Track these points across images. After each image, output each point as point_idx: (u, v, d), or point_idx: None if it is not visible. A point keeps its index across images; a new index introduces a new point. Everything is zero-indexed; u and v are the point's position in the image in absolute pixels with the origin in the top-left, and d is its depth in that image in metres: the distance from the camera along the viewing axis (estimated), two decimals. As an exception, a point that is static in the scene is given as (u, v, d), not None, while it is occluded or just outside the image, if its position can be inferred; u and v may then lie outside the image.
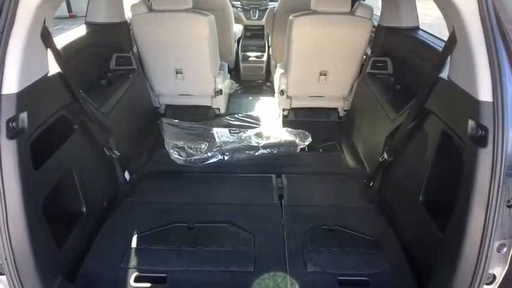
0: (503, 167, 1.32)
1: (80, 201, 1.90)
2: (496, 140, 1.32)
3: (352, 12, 2.70)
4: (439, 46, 2.17)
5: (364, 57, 2.93)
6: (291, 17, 2.75)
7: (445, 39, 1.63)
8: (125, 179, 2.37)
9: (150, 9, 2.75)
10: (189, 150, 2.64)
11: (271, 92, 4.01)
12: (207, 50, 2.83)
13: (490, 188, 1.34)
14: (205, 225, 2.01)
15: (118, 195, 2.29)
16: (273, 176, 2.49)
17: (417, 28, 2.56)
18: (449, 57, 1.62)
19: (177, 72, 2.97)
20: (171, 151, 2.57)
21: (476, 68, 1.37)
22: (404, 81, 2.48)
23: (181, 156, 2.57)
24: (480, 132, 1.37)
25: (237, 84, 4.37)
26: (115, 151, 2.21)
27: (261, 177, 2.48)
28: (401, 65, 2.57)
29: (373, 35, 2.85)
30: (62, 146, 1.79)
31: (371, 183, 2.41)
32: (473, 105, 1.39)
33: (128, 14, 2.85)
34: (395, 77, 2.63)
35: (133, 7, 2.75)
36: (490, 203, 1.35)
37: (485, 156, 1.35)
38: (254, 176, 2.50)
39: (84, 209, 1.92)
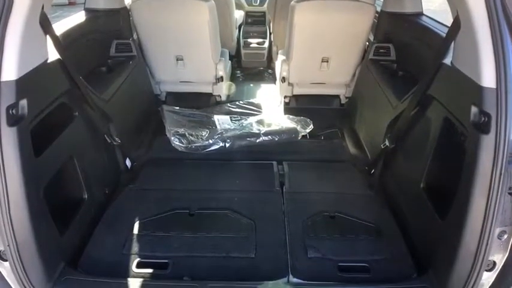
0: (505, 154, 1.31)
1: (82, 188, 1.91)
2: (499, 127, 1.30)
3: None
4: (443, 32, 2.14)
5: (367, 43, 2.90)
6: (292, 3, 2.71)
7: (449, 25, 1.62)
8: (126, 166, 2.37)
9: None
10: (190, 137, 2.64)
11: (273, 79, 3.98)
12: (207, 36, 2.80)
13: (492, 175, 1.34)
14: (206, 211, 2.02)
15: (119, 183, 2.30)
16: (274, 163, 2.48)
17: (421, 14, 2.53)
18: (452, 43, 1.60)
19: (177, 59, 2.95)
20: (172, 138, 2.57)
21: (480, 54, 1.35)
22: (407, 67, 2.46)
23: (182, 143, 2.57)
24: (483, 118, 1.35)
25: (238, 71, 4.35)
26: (116, 138, 2.20)
27: (262, 164, 2.48)
28: (405, 51, 2.54)
29: (376, 21, 2.81)
30: (63, 133, 1.79)
31: (372, 171, 2.41)
32: (476, 91, 1.37)
33: (127, 0, 2.82)
34: (398, 63, 2.60)
35: None
36: (491, 190, 1.34)
37: (487, 142, 1.34)
38: (255, 163, 2.50)
39: (86, 196, 1.93)
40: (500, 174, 1.33)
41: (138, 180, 2.30)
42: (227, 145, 2.62)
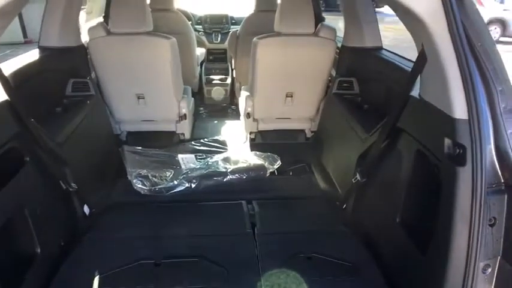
0: (483, 186, 1.29)
1: (34, 242, 1.70)
2: (475, 158, 1.29)
3: (315, 34, 2.71)
4: (404, 65, 2.20)
5: (329, 78, 2.94)
6: (255, 39, 2.72)
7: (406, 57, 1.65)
8: (84, 213, 2.17)
9: (109, 33, 2.62)
10: (154, 178, 2.49)
11: (237, 115, 3.94)
12: (169, 74, 2.72)
13: (472, 208, 1.30)
14: (173, 260, 1.85)
15: (77, 232, 2.09)
16: (244, 202, 2.37)
17: (381, 48, 2.60)
18: (419, 76, 1.61)
19: (138, 98, 2.83)
20: (134, 181, 2.41)
21: (449, 86, 1.35)
22: (371, 100, 2.49)
23: (145, 185, 2.41)
24: (458, 150, 1.34)
25: (201, 108, 4.28)
26: (72, 184, 2.02)
27: (231, 205, 2.36)
28: (368, 84, 2.58)
29: (337, 56, 2.87)
30: (12, 180, 1.60)
31: (344, 206, 2.36)
32: (448, 123, 1.36)
33: (85, 38, 2.71)
34: (362, 96, 2.63)
35: (90, 30, 2.61)
36: (472, 223, 1.31)
37: (464, 175, 1.32)
38: (224, 203, 2.37)
39: (39, 250, 1.71)
40: (480, 206, 1.30)
41: (97, 228, 2.10)
42: (193, 186, 2.49)
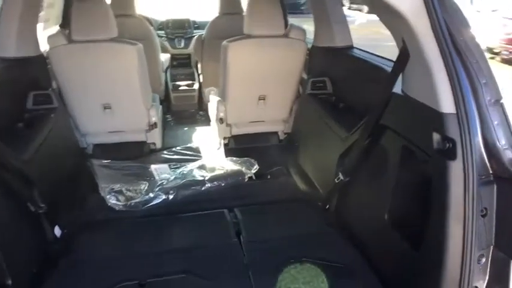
0: (475, 178, 1.30)
1: (3, 273, 1.54)
2: (465, 152, 1.30)
3: (285, 35, 2.69)
4: (378, 62, 2.22)
5: (302, 78, 2.93)
6: (225, 42, 2.66)
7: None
8: (56, 235, 2.01)
9: (70, 41, 2.46)
10: (128, 193, 2.36)
11: (206, 121, 3.85)
12: (137, 81, 2.60)
13: (465, 200, 1.31)
14: (159, 279, 1.75)
15: (50, 257, 1.92)
16: (225, 210, 2.29)
17: (352, 47, 2.62)
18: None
19: (105, 108, 2.68)
20: (108, 196, 2.27)
21: (435, 81, 1.36)
22: (346, 99, 2.49)
23: (119, 201, 2.28)
24: (448, 145, 1.34)
25: (169, 116, 4.15)
26: (41, 204, 1.86)
27: (212, 214, 2.27)
28: (341, 83, 2.59)
29: (308, 57, 2.86)
30: None
31: (327, 206, 2.34)
32: (436, 118, 1.37)
33: (43, 47, 2.52)
34: (336, 95, 2.64)
35: (50, 39, 2.43)
36: (466, 215, 1.32)
37: (455, 168, 1.33)
38: (205, 213, 2.28)
39: (10, 282, 1.55)
40: (473, 198, 1.31)
41: (72, 250, 1.94)
42: (170, 197, 2.38)
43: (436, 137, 1.39)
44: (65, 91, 2.56)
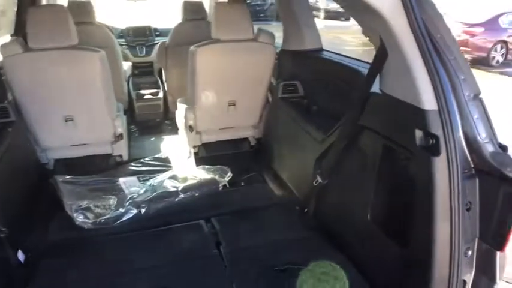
0: (459, 172, 1.31)
1: None
2: (449, 147, 1.31)
3: (254, 39, 2.65)
4: (348, 63, 2.23)
5: (272, 82, 2.90)
6: (192, 48, 2.58)
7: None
8: (19, 260, 1.84)
9: (27, 49, 2.28)
10: (97, 209, 2.21)
11: (173, 130, 3.74)
12: (101, 90, 2.46)
13: (451, 194, 1.32)
14: None
15: (14, 285, 1.75)
16: (202, 221, 2.20)
17: (321, 49, 2.62)
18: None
19: (66, 120, 2.51)
20: (75, 214, 2.11)
21: (415, 79, 1.37)
22: (319, 101, 2.49)
23: (88, 218, 2.13)
24: (431, 141, 1.35)
25: (133, 126, 3.99)
26: (1, 228, 1.69)
27: (189, 226, 2.17)
28: (313, 86, 2.58)
29: (277, 62, 2.84)
30: None
31: (305, 210, 2.31)
32: (418, 115, 1.37)
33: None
34: (308, 98, 2.63)
35: (4, 48, 2.25)
36: (453, 209, 1.33)
37: (440, 164, 1.34)
38: (181, 226, 2.18)
39: None
40: (458, 192, 1.32)
41: (38, 276, 1.78)
42: (143, 211, 2.26)
43: (418, 134, 1.40)
44: (22, 103, 2.38)
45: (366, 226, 1.77)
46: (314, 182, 2.09)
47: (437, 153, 1.33)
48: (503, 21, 10.58)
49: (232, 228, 2.14)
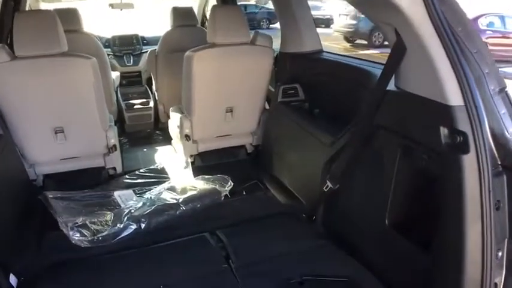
0: (489, 170, 1.25)
1: None
2: (478, 143, 1.24)
3: (252, 42, 2.57)
4: (352, 62, 2.17)
5: (270, 88, 2.82)
6: (188, 53, 2.48)
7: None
8: (11, 285, 1.68)
9: (13, 57, 2.14)
10: (93, 226, 2.06)
11: (165, 140, 3.61)
12: (93, 100, 2.33)
13: (482, 194, 1.25)
14: None
15: None
16: (207, 234, 2.08)
17: (321, 51, 2.56)
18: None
19: (56, 132, 2.37)
20: (71, 233, 1.97)
21: (438, 73, 1.30)
22: (321, 104, 2.41)
23: (85, 236, 1.99)
24: (459, 138, 1.28)
25: (122, 138, 3.84)
26: None
27: (193, 240, 2.05)
28: (314, 89, 2.51)
29: (274, 67, 2.77)
30: None
31: (313, 217, 2.22)
32: (443, 112, 1.31)
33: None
34: (310, 101, 2.55)
35: None
36: (484, 209, 1.26)
37: (468, 162, 1.27)
38: (185, 240, 2.05)
39: None
40: (489, 191, 1.26)
41: None
42: (143, 226, 2.13)
43: (444, 131, 1.33)
44: (8, 115, 2.22)
45: (383, 231, 1.69)
46: (324, 188, 2.00)
47: (465, 151, 1.26)
48: (482, 23, 10.84)
49: (240, 240, 2.03)
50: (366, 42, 13.50)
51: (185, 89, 2.66)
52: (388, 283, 1.67)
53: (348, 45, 14.16)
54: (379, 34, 13.04)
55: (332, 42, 13.09)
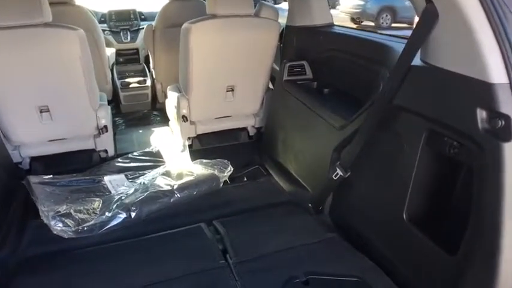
0: None
1: None
2: None
3: (256, 14, 2.33)
4: (368, 36, 1.93)
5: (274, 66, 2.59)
6: (186, 24, 2.24)
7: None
8: None
9: None
10: (78, 214, 1.88)
11: (162, 121, 3.41)
12: (81, 75, 2.11)
13: None
14: None
15: None
16: (203, 224, 1.90)
17: (332, 25, 2.31)
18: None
19: (41, 111, 2.17)
20: (52, 223, 1.78)
21: (479, 44, 1.07)
22: (331, 83, 2.18)
23: (68, 226, 1.81)
24: (500, 122, 1.06)
25: (118, 118, 3.64)
26: None
27: (188, 231, 1.87)
28: (324, 66, 2.27)
29: (280, 42, 2.53)
30: None
31: (320, 207, 2.03)
32: (482, 90, 1.09)
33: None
34: (318, 80, 2.32)
35: None
36: None
37: (510, 151, 1.05)
38: (178, 230, 1.87)
39: None
40: None
41: None
42: (133, 214, 1.94)
43: (481, 114, 1.11)
44: None
45: (400, 227, 1.49)
46: (333, 176, 1.79)
47: (508, 137, 1.05)
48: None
49: (239, 231, 1.84)
50: (373, 24, 13.08)
51: (182, 66, 2.43)
52: (404, 285, 1.48)
53: (354, 26, 13.73)
54: (386, 15, 12.64)
55: (337, 23, 12.67)
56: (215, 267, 1.61)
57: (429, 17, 1.21)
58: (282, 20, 2.52)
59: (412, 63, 1.35)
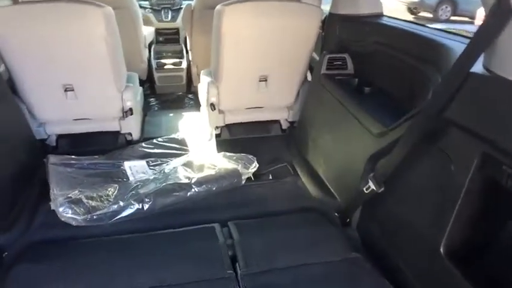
0: None
1: None
2: None
3: None
4: (421, 31, 1.67)
5: (313, 56, 2.37)
6: (219, 6, 2.07)
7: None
8: None
9: (16, 1, 1.85)
10: (90, 202, 1.80)
11: (195, 106, 3.30)
12: (106, 55, 2.02)
13: None
14: None
15: None
16: (216, 225, 1.76)
17: (381, 15, 2.05)
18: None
19: (66, 90, 2.11)
20: (61, 209, 1.71)
21: None
22: (375, 82, 1.94)
23: (77, 213, 1.73)
24: None
25: (152, 99, 3.57)
26: None
27: (199, 231, 1.73)
28: (367, 61, 2.03)
29: (321, 31, 2.30)
30: None
31: (347, 220, 1.83)
32: None
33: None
34: (360, 77, 2.08)
35: None
36: None
37: None
38: (190, 229, 1.74)
39: None
40: None
41: (11, 281, 1.41)
42: (146, 207, 1.84)
43: None
44: (12, 69, 1.96)
45: (435, 260, 1.26)
46: (364, 188, 1.58)
47: None
48: None
49: (253, 238, 1.68)
50: (431, 16, 12.22)
51: (214, 51, 2.28)
52: None
53: (411, 17, 12.89)
54: (446, 7, 11.77)
55: (390, 13, 11.95)
56: (221, 277, 1.47)
57: (500, 14, 0.95)
58: (326, 7, 2.28)
59: (471, 70, 1.10)
